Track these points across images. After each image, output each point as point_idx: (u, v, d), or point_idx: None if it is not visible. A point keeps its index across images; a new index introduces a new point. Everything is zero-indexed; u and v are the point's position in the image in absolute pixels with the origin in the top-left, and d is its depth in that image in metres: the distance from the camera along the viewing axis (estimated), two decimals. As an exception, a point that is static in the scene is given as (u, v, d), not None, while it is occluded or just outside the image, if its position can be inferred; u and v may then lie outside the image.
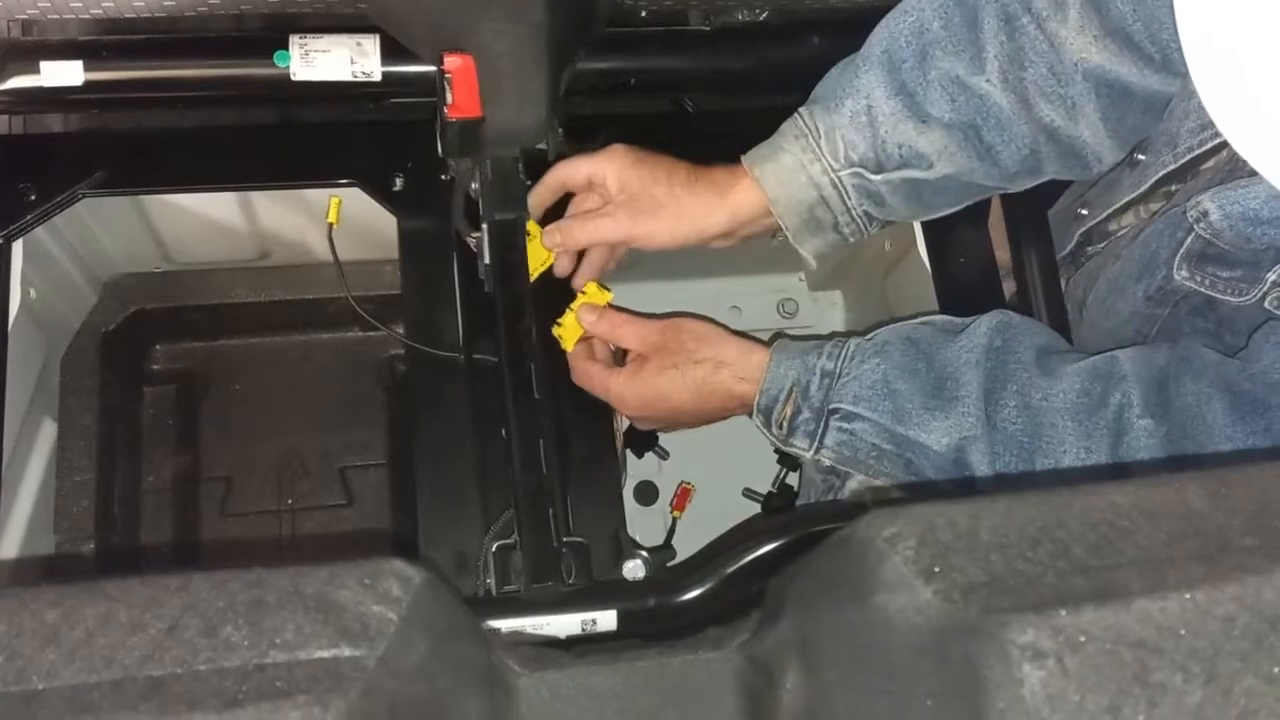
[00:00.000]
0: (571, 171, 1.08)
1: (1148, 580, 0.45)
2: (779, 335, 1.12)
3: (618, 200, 1.06)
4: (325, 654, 0.42)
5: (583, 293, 1.11)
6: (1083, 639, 0.41)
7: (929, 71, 1.01)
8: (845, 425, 1.00)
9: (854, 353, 1.02)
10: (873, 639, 0.48)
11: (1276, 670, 0.41)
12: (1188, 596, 0.43)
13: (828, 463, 1.03)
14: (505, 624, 0.93)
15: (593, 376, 1.08)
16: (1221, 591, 0.43)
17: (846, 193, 1.05)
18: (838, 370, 1.01)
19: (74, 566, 1.28)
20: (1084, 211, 1.16)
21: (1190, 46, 0.68)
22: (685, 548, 1.08)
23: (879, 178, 1.04)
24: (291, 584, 0.44)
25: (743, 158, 1.08)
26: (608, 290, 1.11)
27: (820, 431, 1.01)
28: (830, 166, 1.04)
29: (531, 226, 1.10)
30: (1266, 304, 0.85)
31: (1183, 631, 0.42)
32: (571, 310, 1.10)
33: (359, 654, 0.42)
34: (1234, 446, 0.82)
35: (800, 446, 1.03)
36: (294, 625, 0.43)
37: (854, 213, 1.06)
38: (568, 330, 1.10)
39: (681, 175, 1.07)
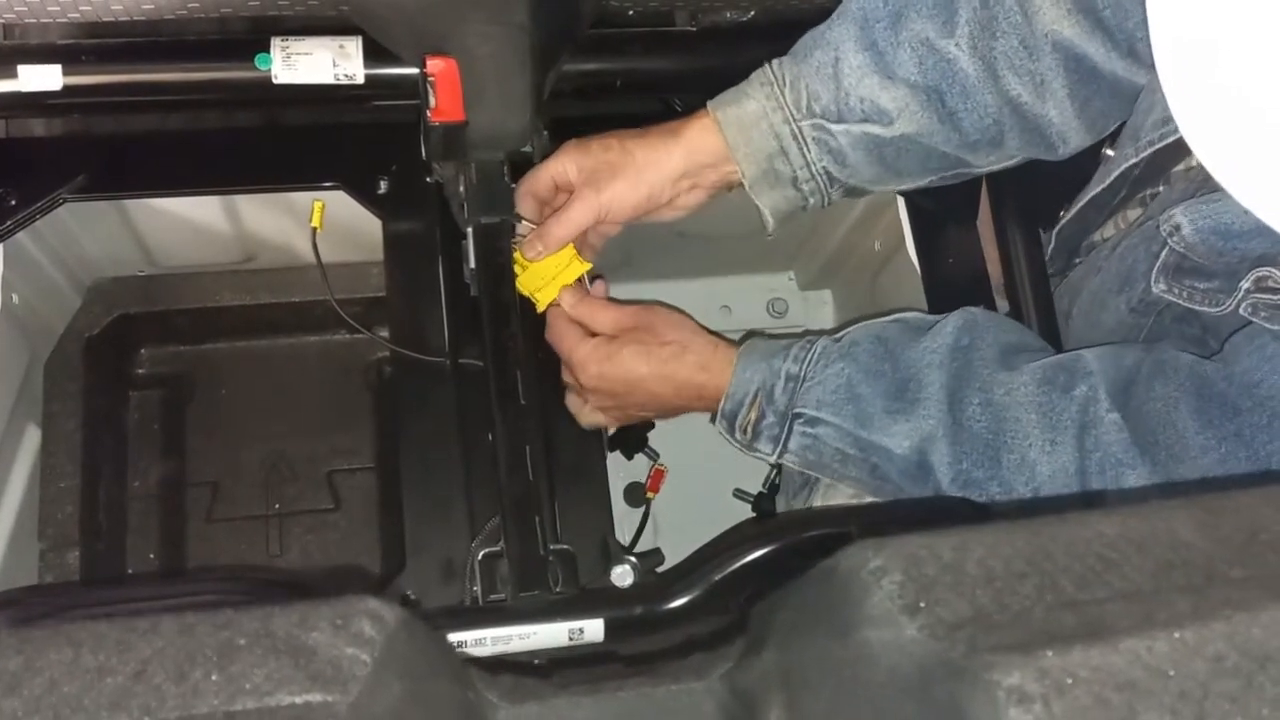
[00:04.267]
0: (535, 180, 1.07)
1: (1135, 616, 0.44)
2: (756, 334, 1.11)
3: (583, 184, 1.05)
4: (296, 699, 0.41)
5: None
6: (1069, 681, 0.40)
7: (901, 32, 1.00)
8: (809, 430, 1.00)
9: (819, 356, 1.01)
10: (857, 675, 0.48)
11: (1266, 712, 0.40)
12: (1176, 635, 0.42)
13: (792, 466, 1.03)
14: (492, 633, 0.93)
15: (565, 337, 1.07)
16: (1210, 629, 0.42)
17: (806, 145, 1.04)
18: (802, 374, 1.01)
19: (59, 574, 1.27)
20: (1062, 212, 1.15)
21: (1161, 50, 0.67)
22: (675, 550, 1.08)
23: (839, 128, 1.02)
24: (262, 625, 0.43)
25: (708, 102, 1.06)
26: (586, 262, 1.09)
27: (784, 436, 1.01)
28: (791, 115, 1.03)
29: None
30: (1242, 310, 0.85)
31: (1171, 672, 0.41)
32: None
33: (330, 699, 0.41)
34: (1204, 451, 0.82)
35: (764, 451, 1.02)
36: (264, 669, 0.42)
37: (814, 168, 1.05)
38: (543, 294, 1.08)
39: (631, 133, 1.06)
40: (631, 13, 1.19)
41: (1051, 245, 1.18)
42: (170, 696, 0.41)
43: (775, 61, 1.06)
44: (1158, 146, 0.96)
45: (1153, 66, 0.91)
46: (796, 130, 1.03)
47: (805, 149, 1.04)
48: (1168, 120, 0.93)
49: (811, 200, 1.08)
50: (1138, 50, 0.97)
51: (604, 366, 1.05)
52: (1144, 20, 0.89)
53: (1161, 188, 1.01)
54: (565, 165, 1.05)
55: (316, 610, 0.44)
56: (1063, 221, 1.15)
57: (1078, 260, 1.17)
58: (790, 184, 1.06)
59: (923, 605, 0.45)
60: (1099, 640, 0.42)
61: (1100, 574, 0.46)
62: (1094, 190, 1.07)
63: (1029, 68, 0.99)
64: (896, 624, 0.45)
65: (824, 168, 1.05)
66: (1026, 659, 0.41)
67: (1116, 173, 1.02)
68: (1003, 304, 1.21)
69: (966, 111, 1.01)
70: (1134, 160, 0.99)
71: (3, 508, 1.25)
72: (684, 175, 1.05)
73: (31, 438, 1.31)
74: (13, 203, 1.13)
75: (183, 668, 0.42)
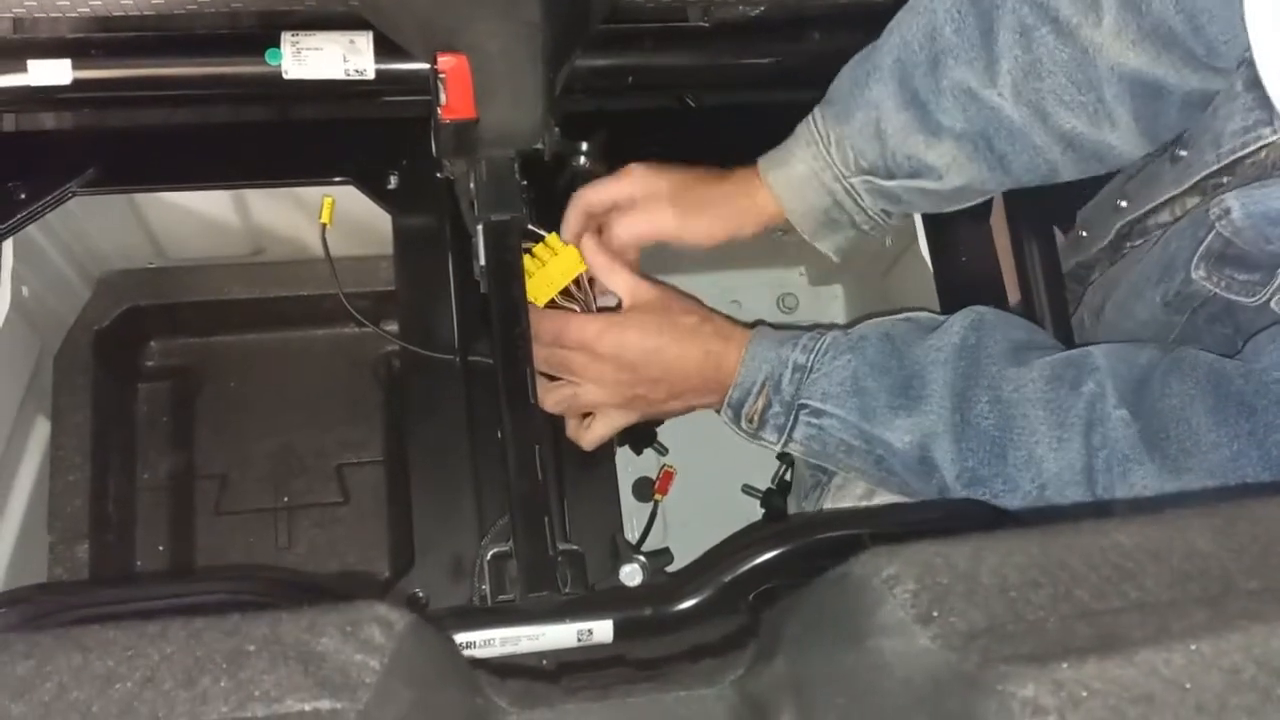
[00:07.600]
0: (595, 196, 1.08)
1: (1151, 627, 0.43)
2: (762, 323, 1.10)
3: (652, 202, 1.07)
4: (305, 706, 0.41)
5: (552, 250, 1.07)
6: (1085, 694, 0.40)
7: (941, 80, 1.00)
8: (814, 420, 1.00)
9: (828, 347, 1.01)
10: (869, 684, 0.47)
11: (1284, 726, 0.40)
12: (1192, 647, 0.42)
13: (797, 455, 1.03)
14: (500, 634, 0.92)
15: (571, 317, 1.04)
16: (1227, 641, 0.42)
17: (859, 195, 1.07)
18: (809, 364, 1.01)
19: (68, 566, 1.27)
20: (1123, 204, 1.13)
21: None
22: (684, 545, 1.07)
23: (889, 183, 1.05)
24: (271, 631, 0.43)
25: (759, 161, 1.09)
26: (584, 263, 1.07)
27: (789, 425, 1.01)
28: (841, 174, 1.06)
29: (553, 240, 1.08)
30: (1273, 304, 0.84)
31: (1187, 685, 0.41)
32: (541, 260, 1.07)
33: (339, 706, 0.41)
34: (1215, 448, 0.81)
35: (769, 440, 1.02)
36: (273, 676, 0.42)
37: (870, 211, 1.08)
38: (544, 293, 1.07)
39: (710, 178, 1.08)
40: (644, 8, 1.18)
41: (1112, 234, 1.15)
42: (179, 703, 0.41)
43: (818, 115, 1.07)
44: (1239, 154, 0.94)
45: (1232, 71, 0.93)
46: (848, 186, 1.07)
47: (859, 199, 1.07)
48: (1248, 129, 0.92)
49: (871, 233, 1.11)
50: (1219, 54, 0.94)
51: (623, 334, 1.03)
52: (1223, 21, 0.90)
53: (1225, 179, 0.98)
54: (635, 188, 1.07)
55: (325, 616, 0.44)
56: (1129, 217, 1.12)
57: (1130, 242, 1.14)
58: (849, 225, 1.10)
59: (936, 615, 0.45)
60: (1114, 652, 0.42)
61: (1116, 584, 0.46)
62: (1171, 191, 1.04)
63: (1081, 100, 0.98)
64: (909, 633, 0.45)
65: (881, 209, 1.08)
66: (1041, 671, 0.41)
67: (1197, 178, 1.00)
68: (1015, 302, 1.21)
69: (1016, 154, 1.02)
70: (1215, 166, 0.97)
71: (12, 500, 1.25)
72: (753, 234, 1.10)
73: (41, 430, 1.31)
74: (22, 196, 1.13)
75: (192, 674, 0.42)
